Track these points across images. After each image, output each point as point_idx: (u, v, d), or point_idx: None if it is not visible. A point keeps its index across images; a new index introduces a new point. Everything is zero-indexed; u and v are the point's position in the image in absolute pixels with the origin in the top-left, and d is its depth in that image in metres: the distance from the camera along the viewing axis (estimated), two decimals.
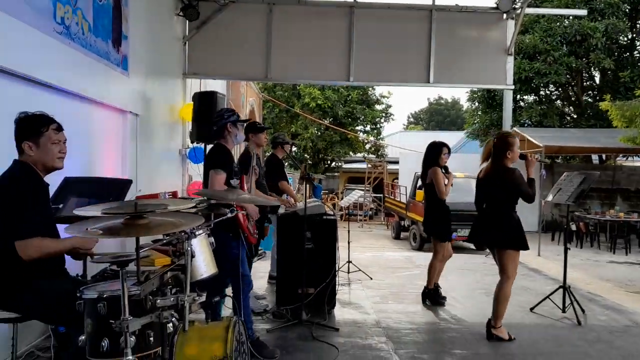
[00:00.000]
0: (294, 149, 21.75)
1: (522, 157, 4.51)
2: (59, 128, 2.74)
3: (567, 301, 5.35)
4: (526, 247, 4.47)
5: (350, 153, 23.82)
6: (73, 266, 3.01)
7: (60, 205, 3.25)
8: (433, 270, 5.74)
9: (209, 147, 7.30)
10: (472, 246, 11.16)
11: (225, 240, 3.77)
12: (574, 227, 11.97)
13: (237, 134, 4.05)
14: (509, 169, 4.42)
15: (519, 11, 8.53)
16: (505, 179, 4.38)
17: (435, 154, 5.64)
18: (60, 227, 2.74)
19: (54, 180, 2.99)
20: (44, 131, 2.65)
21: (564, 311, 5.36)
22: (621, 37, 16.53)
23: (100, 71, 4.93)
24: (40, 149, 2.65)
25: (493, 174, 4.48)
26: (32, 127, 2.65)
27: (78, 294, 2.37)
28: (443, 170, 5.60)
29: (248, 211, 3.90)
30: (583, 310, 5.40)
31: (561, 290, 5.44)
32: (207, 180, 3.87)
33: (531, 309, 5.51)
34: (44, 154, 2.66)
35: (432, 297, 5.77)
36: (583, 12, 11.38)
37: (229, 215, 3.03)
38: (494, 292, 4.57)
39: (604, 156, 18.36)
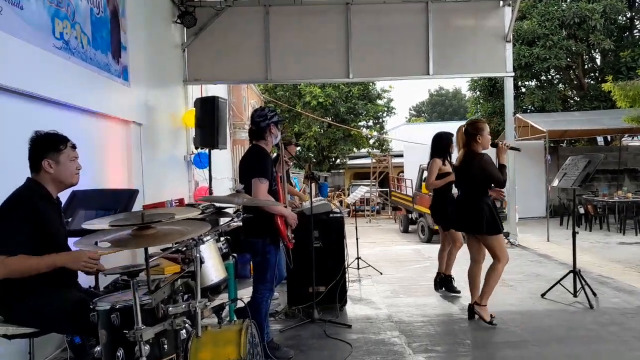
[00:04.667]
0: (297, 148, 21.77)
1: (494, 145, 4.60)
2: (74, 146, 2.82)
3: (578, 285, 5.35)
4: (499, 231, 4.54)
5: (355, 149, 23.80)
6: (85, 278, 3.05)
7: (69, 219, 3.30)
8: (441, 258, 5.83)
9: (214, 151, 7.40)
10: None
11: (264, 246, 3.80)
12: (582, 210, 11.92)
13: (278, 134, 4.00)
14: (477, 154, 4.51)
15: None
16: (475, 164, 4.47)
17: (445, 144, 5.69)
18: (70, 241, 2.78)
19: (61, 195, 3.03)
20: (63, 149, 2.73)
21: (575, 295, 5.36)
22: (620, 17, 16.41)
23: (101, 83, 4.98)
24: (60, 166, 2.72)
25: (464, 161, 4.59)
26: (52, 145, 2.71)
27: (91, 306, 2.41)
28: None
29: (287, 219, 3.87)
30: (595, 294, 5.40)
31: (572, 274, 5.44)
32: (245, 181, 3.73)
33: (542, 295, 5.51)
34: (62, 171, 2.73)
35: (446, 284, 5.82)
36: None
37: (235, 219, 3.05)
38: (486, 272, 4.63)
39: (609, 137, 18.25)
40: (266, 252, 3.81)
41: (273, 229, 3.77)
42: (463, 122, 5.02)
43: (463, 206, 4.66)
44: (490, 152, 4.57)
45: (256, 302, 3.85)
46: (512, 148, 4.78)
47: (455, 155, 4.97)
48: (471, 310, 4.70)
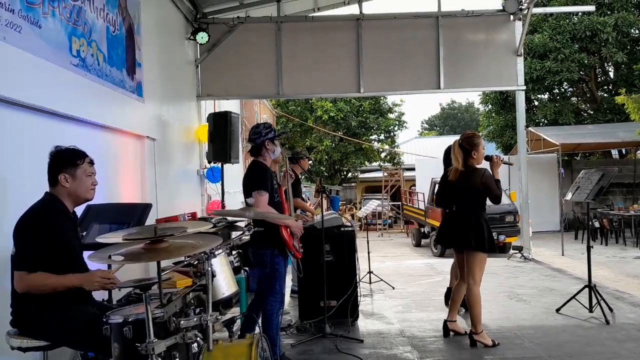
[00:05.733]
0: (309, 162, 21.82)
1: (488, 158, 4.49)
2: (92, 162, 2.87)
3: (594, 300, 5.27)
4: (494, 250, 4.49)
5: (366, 163, 23.81)
6: (99, 291, 3.08)
7: (84, 233, 3.34)
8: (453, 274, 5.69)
9: (227, 165, 7.46)
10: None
11: (273, 257, 3.83)
12: (597, 224, 11.76)
13: (275, 149, 4.04)
14: (477, 169, 4.40)
15: (525, 12, 8.54)
16: (477, 179, 4.35)
17: None
18: (85, 255, 2.82)
19: (76, 209, 3.08)
20: (80, 164, 2.77)
21: (591, 311, 5.28)
22: (632, 30, 16.33)
23: (116, 99, 5.07)
24: (76, 180, 2.76)
25: (462, 175, 4.45)
26: (70, 160, 2.76)
27: (104, 319, 2.44)
28: None
29: (291, 229, 3.90)
30: (611, 309, 5.31)
31: (587, 289, 5.36)
32: (247, 195, 3.83)
33: (557, 310, 5.43)
34: (78, 186, 2.77)
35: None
36: (591, 7, 11.23)
37: (247, 233, 3.08)
38: (466, 299, 4.55)
39: (623, 150, 18.06)
40: (275, 263, 3.83)
41: (279, 240, 3.79)
42: None
43: (456, 221, 4.50)
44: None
45: (266, 314, 3.86)
46: (506, 163, 4.67)
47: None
48: (471, 338, 4.47)
